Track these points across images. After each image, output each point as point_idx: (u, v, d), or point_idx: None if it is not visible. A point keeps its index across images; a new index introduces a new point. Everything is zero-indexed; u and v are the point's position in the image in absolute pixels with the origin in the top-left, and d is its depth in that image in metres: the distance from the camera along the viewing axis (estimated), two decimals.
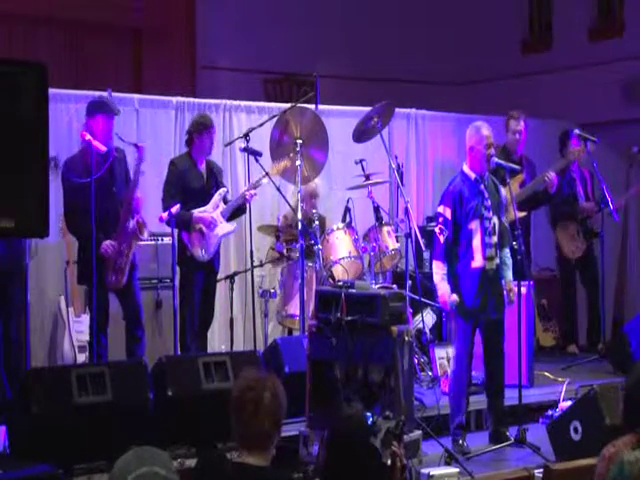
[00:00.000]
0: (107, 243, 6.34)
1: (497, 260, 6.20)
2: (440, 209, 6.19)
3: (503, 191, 6.39)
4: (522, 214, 7.08)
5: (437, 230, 6.15)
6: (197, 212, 6.90)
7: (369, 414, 3.52)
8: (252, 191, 7.00)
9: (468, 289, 6.13)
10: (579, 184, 8.75)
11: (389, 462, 3.49)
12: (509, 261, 6.32)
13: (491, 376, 6.32)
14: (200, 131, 6.99)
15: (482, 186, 6.19)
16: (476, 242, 6.12)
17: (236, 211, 7.08)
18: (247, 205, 7.05)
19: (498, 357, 6.29)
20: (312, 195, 7.68)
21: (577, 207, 8.74)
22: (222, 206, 7.02)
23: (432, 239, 6.37)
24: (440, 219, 6.16)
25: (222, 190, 7.07)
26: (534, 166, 8.30)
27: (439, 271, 6.14)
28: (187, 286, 6.92)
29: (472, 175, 6.20)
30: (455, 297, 6.08)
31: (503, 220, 6.31)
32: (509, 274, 6.31)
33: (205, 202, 6.96)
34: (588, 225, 8.70)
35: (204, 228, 6.89)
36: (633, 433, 3.47)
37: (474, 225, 6.12)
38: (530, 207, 8.16)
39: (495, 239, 6.19)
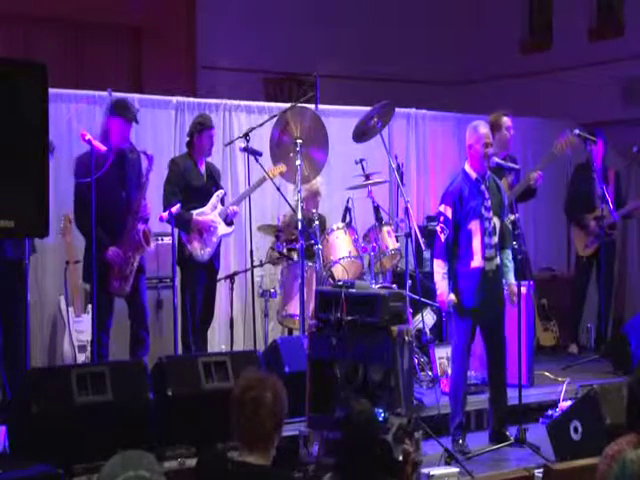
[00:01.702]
0: (114, 250, 6.33)
1: (497, 260, 6.20)
2: (441, 208, 6.19)
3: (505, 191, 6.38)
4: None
5: (438, 229, 6.16)
6: (196, 214, 6.91)
7: (380, 410, 3.51)
8: (234, 207, 7.04)
9: (467, 289, 6.13)
10: (598, 183, 8.73)
11: (401, 458, 3.47)
12: (510, 263, 6.31)
13: (493, 375, 6.31)
14: (199, 131, 7.00)
15: (483, 186, 6.18)
16: (476, 242, 6.11)
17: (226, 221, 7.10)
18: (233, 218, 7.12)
19: (499, 356, 6.28)
20: (316, 194, 7.70)
21: (592, 206, 8.73)
22: (220, 207, 7.04)
23: (433, 238, 6.38)
24: (441, 218, 6.16)
25: (220, 192, 7.09)
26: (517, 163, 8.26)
27: (439, 270, 6.14)
28: (189, 285, 6.93)
29: (473, 175, 6.19)
30: (453, 297, 6.08)
31: (505, 220, 6.30)
32: (511, 276, 6.30)
33: (205, 201, 6.98)
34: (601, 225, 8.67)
35: (203, 230, 6.90)
36: (636, 432, 3.46)
37: (474, 225, 6.12)
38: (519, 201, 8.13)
39: (495, 239, 6.18)
